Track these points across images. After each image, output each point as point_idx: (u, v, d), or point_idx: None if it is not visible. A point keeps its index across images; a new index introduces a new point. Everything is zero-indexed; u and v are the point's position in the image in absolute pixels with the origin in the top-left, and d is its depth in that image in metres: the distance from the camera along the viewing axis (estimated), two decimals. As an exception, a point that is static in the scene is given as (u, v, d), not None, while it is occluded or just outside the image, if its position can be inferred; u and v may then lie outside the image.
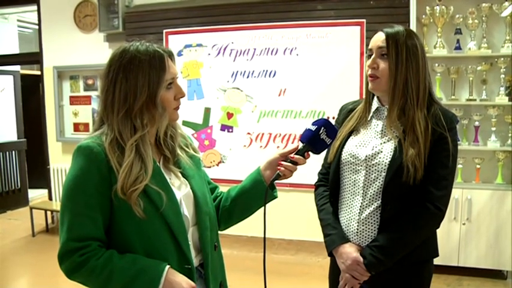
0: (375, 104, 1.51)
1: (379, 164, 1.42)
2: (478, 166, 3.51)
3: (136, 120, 1.13)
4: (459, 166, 3.51)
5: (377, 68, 1.43)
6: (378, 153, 1.44)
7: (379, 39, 1.44)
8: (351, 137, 1.52)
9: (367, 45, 1.51)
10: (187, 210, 1.21)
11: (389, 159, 1.41)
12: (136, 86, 1.12)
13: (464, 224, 3.39)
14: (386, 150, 1.43)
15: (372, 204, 1.43)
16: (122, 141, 1.12)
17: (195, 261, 1.21)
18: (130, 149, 1.11)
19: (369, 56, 1.47)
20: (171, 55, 1.20)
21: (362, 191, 1.45)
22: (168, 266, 1.10)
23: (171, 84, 1.18)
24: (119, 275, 1.08)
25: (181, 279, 1.11)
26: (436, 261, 1.53)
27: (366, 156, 1.45)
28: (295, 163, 1.25)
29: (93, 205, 1.09)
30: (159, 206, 1.12)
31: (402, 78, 1.39)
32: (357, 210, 1.46)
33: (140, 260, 1.10)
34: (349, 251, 1.44)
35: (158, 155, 1.24)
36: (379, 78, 1.43)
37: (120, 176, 1.08)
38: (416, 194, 1.39)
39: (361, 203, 1.45)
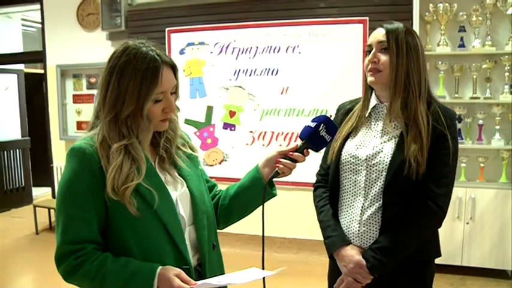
0: (373, 101, 1.49)
1: (379, 164, 1.40)
2: (481, 165, 3.48)
3: (123, 127, 1.13)
4: (463, 165, 3.49)
5: (378, 61, 1.41)
6: (379, 152, 1.42)
7: (379, 34, 1.43)
8: (350, 138, 1.50)
9: (370, 42, 1.50)
10: (183, 209, 1.19)
11: (390, 159, 1.39)
12: (126, 94, 1.10)
13: (467, 223, 3.36)
14: (387, 149, 1.41)
15: (374, 204, 1.41)
16: (111, 144, 1.11)
17: (193, 260, 1.20)
18: (118, 152, 1.10)
19: (369, 52, 1.45)
20: (173, 66, 1.17)
21: (364, 192, 1.43)
22: (160, 268, 1.09)
23: (161, 97, 1.14)
24: (112, 278, 1.07)
25: (174, 281, 1.07)
26: (440, 260, 1.52)
27: (367, 156, 1.43)
28: (294, 160, 1.23)
29: (87, 207, 1.09)
30: (152, 204, 1.11)
31: (404, 71, 1.38)
32: (358, 211, 1.44)
33: (133, 263, 1.09)
34: (351, 254, 1.42)
35: (154, 154, 1.23)
36: (381, 72, 1.41)
37: (108, 176, 1.08)
38: (417, 193, 1.37)
39: (363, 204, 1.43)
